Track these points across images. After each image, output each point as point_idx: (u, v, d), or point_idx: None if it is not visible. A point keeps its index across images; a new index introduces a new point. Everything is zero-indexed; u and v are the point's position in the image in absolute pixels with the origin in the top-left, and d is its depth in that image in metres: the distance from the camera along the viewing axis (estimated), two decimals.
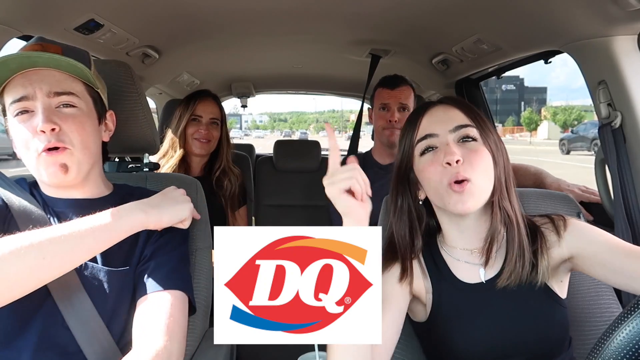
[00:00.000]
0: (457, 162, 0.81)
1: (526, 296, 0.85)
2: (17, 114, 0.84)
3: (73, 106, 0.87)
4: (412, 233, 0.92)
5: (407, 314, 0.92)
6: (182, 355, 0.82)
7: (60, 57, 0.84)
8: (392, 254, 0.93)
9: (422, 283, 0.91)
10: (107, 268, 0.87)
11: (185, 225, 0.92)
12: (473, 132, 0.85)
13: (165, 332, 0.79)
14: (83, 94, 0.89)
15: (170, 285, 0.86)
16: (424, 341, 0.96)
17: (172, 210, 0.89)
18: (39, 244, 0.71)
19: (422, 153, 0.88)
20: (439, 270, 0.91)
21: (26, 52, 0.84)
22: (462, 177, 0.81)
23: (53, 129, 0.83)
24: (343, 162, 0.72)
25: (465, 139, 0.85)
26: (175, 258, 0.91)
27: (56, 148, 0.84)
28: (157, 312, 0.82)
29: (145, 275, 0.87)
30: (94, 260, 0.86)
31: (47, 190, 0.92)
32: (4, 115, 0.88)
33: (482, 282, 0.87)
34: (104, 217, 0.80)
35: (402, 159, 0.92)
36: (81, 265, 0.84)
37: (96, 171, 0.95)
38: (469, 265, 0.90)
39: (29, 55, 0.83)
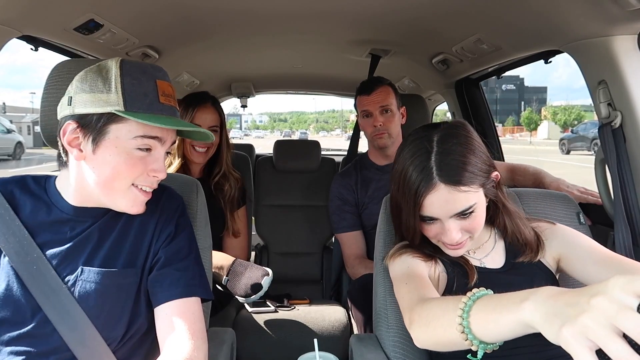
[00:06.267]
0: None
1: (534, 274, 0.94)
2: (139, 148, 0.84)
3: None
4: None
5: None
6: (206, 358, 0.88)
7: (204, 131, 0.90)
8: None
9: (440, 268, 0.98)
10: (105, 270, 0.86)
11: None
12: (474, 207, 0.87)
13: (191, 338, 0.84)
14: None
15: (192, 293, 0.90)
16: None
17: None
18: None
19: (423, 219, 0.91)
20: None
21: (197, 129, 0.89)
22: (462, 244, 0.91)
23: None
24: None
25: (466, 213, 0.88)
26: (191, 262, 0.93)
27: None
28: (181, 319, 0.86)
29: (166, 282, 0.89)
30: (89, 263, 0.86)
31: (67, 195, 0.90)
32: (99, 128, 0.81)
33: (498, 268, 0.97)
34: None
35: (408, 211, 0.91)
36: (78, 270, 0.85)
37: None
38: (473, 259, 0.98)
39: (200, 130, 0.89)
